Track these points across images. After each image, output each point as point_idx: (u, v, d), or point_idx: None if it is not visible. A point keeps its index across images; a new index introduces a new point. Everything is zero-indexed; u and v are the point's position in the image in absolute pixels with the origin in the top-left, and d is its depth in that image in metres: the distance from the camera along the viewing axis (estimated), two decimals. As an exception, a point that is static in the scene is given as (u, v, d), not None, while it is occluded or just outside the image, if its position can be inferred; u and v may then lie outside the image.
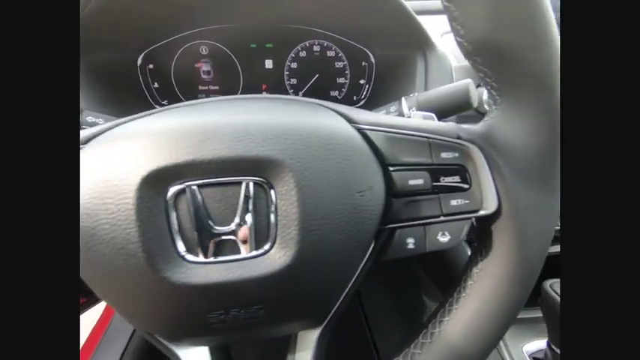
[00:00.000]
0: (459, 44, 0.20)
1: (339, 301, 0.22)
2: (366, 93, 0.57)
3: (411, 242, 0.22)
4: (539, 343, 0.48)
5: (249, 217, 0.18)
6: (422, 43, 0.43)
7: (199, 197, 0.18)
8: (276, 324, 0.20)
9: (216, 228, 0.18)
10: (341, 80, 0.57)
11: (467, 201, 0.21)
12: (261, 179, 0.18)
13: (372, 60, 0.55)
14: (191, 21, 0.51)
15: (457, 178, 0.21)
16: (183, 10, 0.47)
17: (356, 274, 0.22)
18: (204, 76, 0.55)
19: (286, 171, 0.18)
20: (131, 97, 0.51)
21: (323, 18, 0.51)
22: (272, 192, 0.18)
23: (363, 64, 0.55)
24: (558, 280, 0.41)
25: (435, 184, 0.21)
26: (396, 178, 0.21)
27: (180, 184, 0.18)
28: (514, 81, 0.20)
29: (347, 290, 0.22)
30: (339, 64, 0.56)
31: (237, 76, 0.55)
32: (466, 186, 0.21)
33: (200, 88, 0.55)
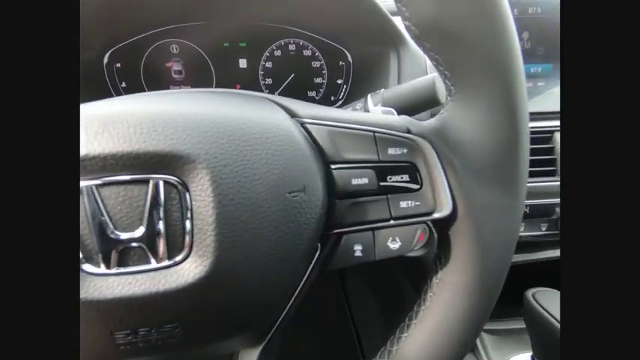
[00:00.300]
0: (407, 28, 0.18)
1: (282, 314, 0.20)
2: (344, 93, 0.55)
3: (358, 249, 0.20)
4: (525, 357, 0.45)
5: (159, 222, 0.16)
6: (395, 40, 0.41)
7: (98, 198, 0.15)
8: (197, 344, 0.18)
9: (120, 234, 0.16)
10: (318, 80, 0.55)
11: (418, 203, 0.19)
12: (172, 178, 0.16)
13: (350, 59, 0.53)
14: (161, 19, 0.49)
15: (406, 177, 0.19)
16: (152, 8, 0.45)
17: (300, 285, 0.20)
18: (175, 76, 0.53)
19: (200, 168, 0.16)
20: (96, 98, 0.49)
21: (298, 16, 0.49)
22: (186, 193, 0.16)
23: (341, 63, 0.54)
24: (541, 289, 0.38)
25: (381, 183, 0.19)
26: (338, 178, 0.19)
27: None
28: (467, 69, 0.18)
29: (290, 302, 0.20)
30: (315, 64, 0.54)
31: (210, 76, 0.53)
32: (416, 186, 0.19)
33: (171, 87, 0.53)
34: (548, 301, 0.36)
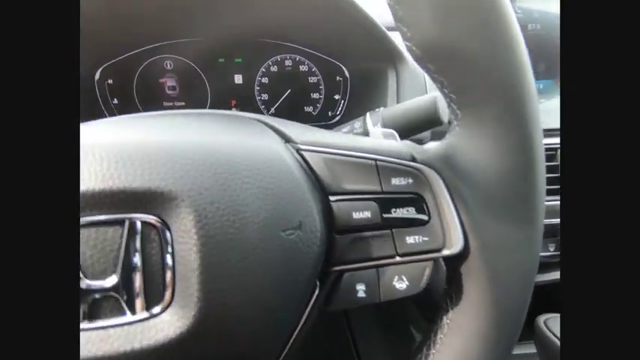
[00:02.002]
0: (408, 49, 0.17)
1: None
2: (342, 109, 0.54)
3: (361, 289, 0.18)
4: (535, 385, 0.43)
5: (136, 268, 0.14)
6: (393, 55, 0.40)
7: None
8: None
9: (91, 283, 0.14)
10: (315, 96, 0.54)
11: (426, 238, 0.17)
12: (151, 217, 0.14)
13: (347, 74, 0.52)
14: (155, 35, 0.48)
15: (412, 210, 0.17)
16: (145, 25, 0.45)
17: (297, 329, 0.18)
18: (169, 92, 0.51)
19: (183, 206, 0.14)
20: (87, 115, 0.47)
21: (294, 32, 0.49)
22: (167, 234, 0.14)
23: (338, 78, 0.53)
24: (552, 315, 0.36)
25: (385, 215, 0.17)
26: (337, 211, 0.17)
27: None
28: (474, 92, 0.17)
29: (287, 349, 0.18)
30: (312, 79, 0.53)
31: (205, 92, 0.52)
32: (424, 219, 0.17)
33: (165, 104, 0.52)
34: (559, 329, 0.34)
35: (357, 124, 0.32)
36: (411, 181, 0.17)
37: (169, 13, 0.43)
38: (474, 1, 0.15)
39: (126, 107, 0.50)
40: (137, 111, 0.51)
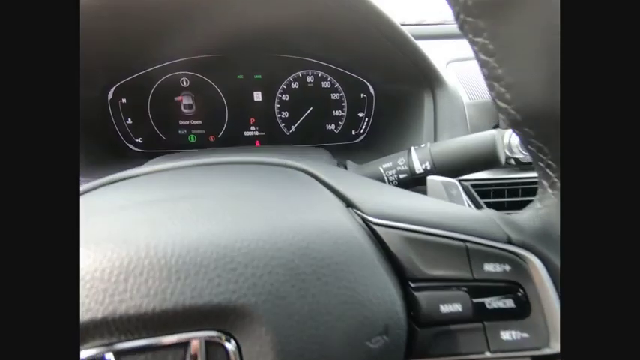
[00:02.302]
0: (502, 110, 0.15)
1: None
2: (366, 127, 0.51)
3: None
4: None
5: None
6: (429, 79, 0.37)
7: None
8: None
9: None
10: (337, 113, 0.51)
11: (525, 334, 0.15)
12: (217, 333, 0.12)
13: (372, 91, 0.50)
14: (169, 52, 0.45)
15: (510, 301, 0.15)
16: (159, 41, 0.42)
17: None
18: (185, 110, 0.49)
19: (257, 322, 0.12)
20: (98, 138, 0.45)
21: (316, 47, 0.46)
22: (237, 356, 0.12)
23: (362, 95, 0.50)
24: None
25: (477, 307, 0.15)
26: (423, 301, 0.15)
27: (92, 347, 0.11)
28: None
29: None
30: (335, 96, 0.51)
31: (223, 110, 0.49)
32: (523, 312, 0.15)
33: (180, 123, 0.49)
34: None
35: (400, 160, 0.29)
36: (508, 267, 0.15)
37: (184, 28, 0.41)
38: None
39: (140, 127, 0.48)
40: (152, 131, 0.48)
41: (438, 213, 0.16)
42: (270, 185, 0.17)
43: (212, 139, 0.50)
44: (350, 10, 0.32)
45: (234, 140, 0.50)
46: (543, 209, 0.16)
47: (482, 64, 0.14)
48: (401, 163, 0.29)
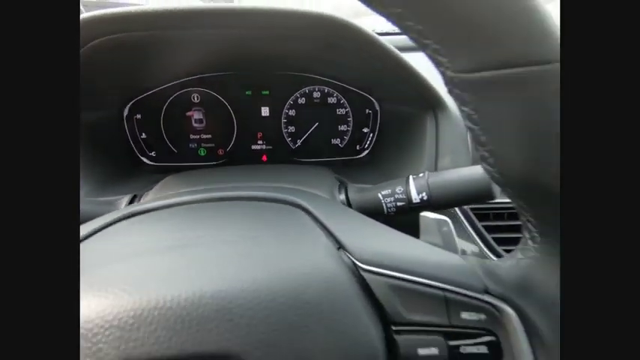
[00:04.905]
0: (486, 170, 0.16)
1: None
2: (370, 142, 0.52)
3: None
4: None
5: None
6: (432, 102, 0.38)
7: None
8: None
9: None
10: (343, 128, 0.52)
11: None
12: None
13: (377, 108, 0.51)
14: (182, 70, 0.47)
15: (483, 348, 0.16)
16: (172, 60, 0.44)
17: None
18: (195, 125, 0.51)
19: None
20: (114, 152, 0.47)
21: (323, 68, 0.47)
22: None
23: (367, 111, 0.51)
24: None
25: (453, 351, 0.16)
26: (402, 345, 0.16)
27: None
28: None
29: None
30: (340, 111, 0.52)
31: (231, 125, 0.51)
32: (495, 358, 0.16)
33: (191, 137, 0.51)
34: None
35: (398, 188, 0.30)
36: (483, 317, 0.16)
37: (197, 48, 0.42)
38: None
39: (153, 141, 0.50)
40: (165, 145, 0.50)
41: (423, 262, 0.17)
42: (267, 228, 0.19)
43: (221, 152, 0.52)
44: (351, 41, 0.33)
45: (242, 153, 0.52)
46: (524, 260, 0.17)
47: (469, 129, 0.15)
48: (399, 192, 0.30)
